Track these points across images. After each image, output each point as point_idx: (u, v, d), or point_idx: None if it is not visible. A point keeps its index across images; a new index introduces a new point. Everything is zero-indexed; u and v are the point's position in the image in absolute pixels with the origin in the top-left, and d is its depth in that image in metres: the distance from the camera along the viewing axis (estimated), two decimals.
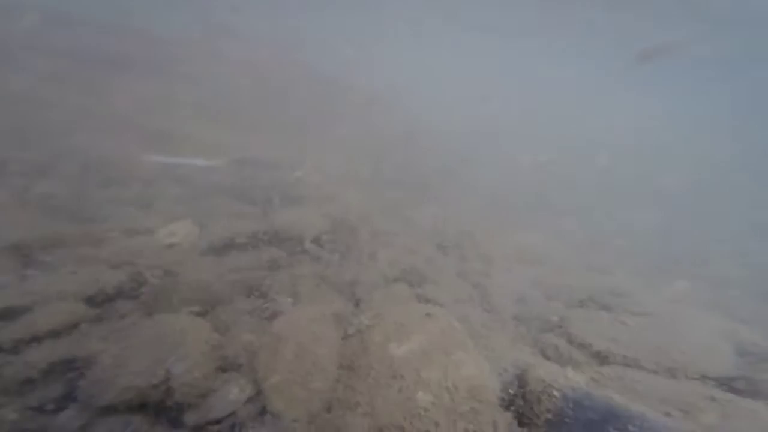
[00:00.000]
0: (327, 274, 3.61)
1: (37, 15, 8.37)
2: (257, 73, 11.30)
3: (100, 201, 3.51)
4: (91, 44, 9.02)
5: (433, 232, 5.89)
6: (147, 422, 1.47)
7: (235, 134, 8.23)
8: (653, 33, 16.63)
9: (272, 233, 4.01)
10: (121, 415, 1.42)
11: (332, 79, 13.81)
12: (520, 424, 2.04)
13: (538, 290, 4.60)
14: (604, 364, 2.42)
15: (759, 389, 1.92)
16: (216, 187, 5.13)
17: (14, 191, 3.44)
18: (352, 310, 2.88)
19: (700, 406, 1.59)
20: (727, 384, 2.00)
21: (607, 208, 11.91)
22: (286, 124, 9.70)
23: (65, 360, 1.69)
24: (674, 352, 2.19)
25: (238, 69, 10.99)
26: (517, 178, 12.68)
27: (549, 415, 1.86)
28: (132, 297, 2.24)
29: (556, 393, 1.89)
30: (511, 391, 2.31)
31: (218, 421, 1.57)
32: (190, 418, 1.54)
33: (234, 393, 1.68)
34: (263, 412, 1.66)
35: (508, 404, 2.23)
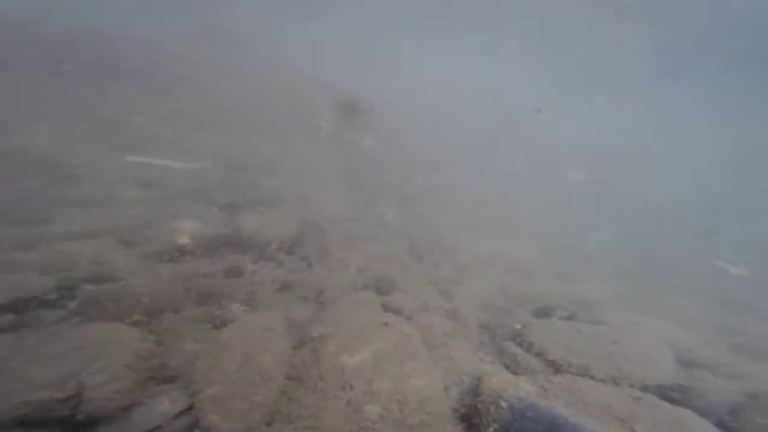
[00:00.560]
0: (291, 281, 3.51)
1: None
2: (247, 79, 11.14)
3: (45, 203, 3.29)
4: (64, 49, 8.66)
5: (407, 238, 5.89)
6: None
7: (217, 139, 8.04)
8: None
9: (236, 238, 3.89)
10: (16, 430, 1.29)
11: (322, 84, 13.79)
12: None
13: (505, 298, 4.66)
14: (557, 372, 2.44)
15: (690, 397, 1.99)
16: (181, 190, 4.94)
17: None
18: (311, 318, 2.80)
19: (637, 414, 1.62)
20: (663, 392, 2.06)
21: (580, 218, 12.30)
22: (268, 129, 9.56)
23: None
24: (621, 361, 2.23)
25: (229, 75, 10.81)
26: (497, 187, 12.93)
27: (496, 426, 1.84)
28: (60, 305, 2.09)
29: (503, 404, 1.88)
30: (465, 402, 2.29)
31: None
32: None
33: (163, 406, 1.57)
34: (194, 426, 1.57)
35: (461, 415, 2.21)
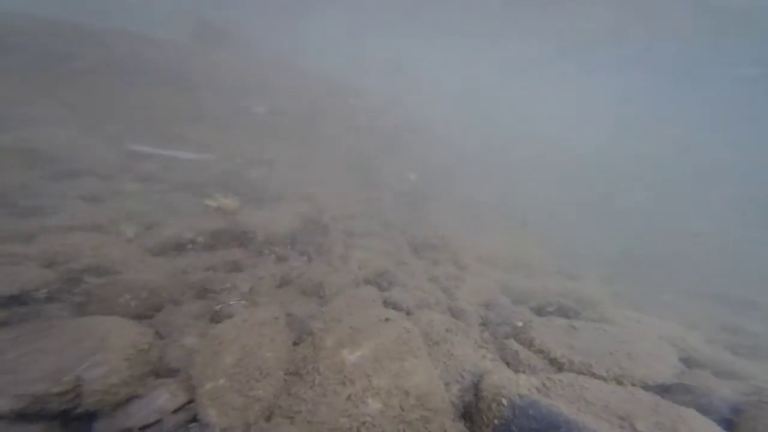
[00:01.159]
0: (292, 276, 3.51)
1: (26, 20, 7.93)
2: (257, 77, 11.06)
3: (47, 194, 3.28)
4: (68, 46, 8.61)
5: (409, 235, 5.87)
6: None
7: (224, 137, 8.03)
8: None
9: (238, 233, 3.88)
10: (12, 424, 1.28)
11: (329, 81, 13.72)
12: None
13: (507, 295, 4.64)
14: (559, 370, 2.42)
15: (693, 396, 1.97)
16: (183, 184, 4.94)
17: None
18: (311, 314, 2.79)
19: (638, 413, 1.60)
20: (665, 391, 2.04)
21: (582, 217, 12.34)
22: (276, 126, 9.53)
23: None
24: (623, 359, 2.21)
25: (239, 74, 10.72)
26: (497, 185, 12.96)
27: (496, 422, 1.83)
28: (58, 299, 2.08)
29: (504, 401, 1.87)
30: (465, 399, 2.28)
31: (138, 430, 1.45)
32: (102, 428, 1.42)
33: (162, 400, 1.57)
34: (193, 420, 1.56)
35: (462, 412, 2.20)
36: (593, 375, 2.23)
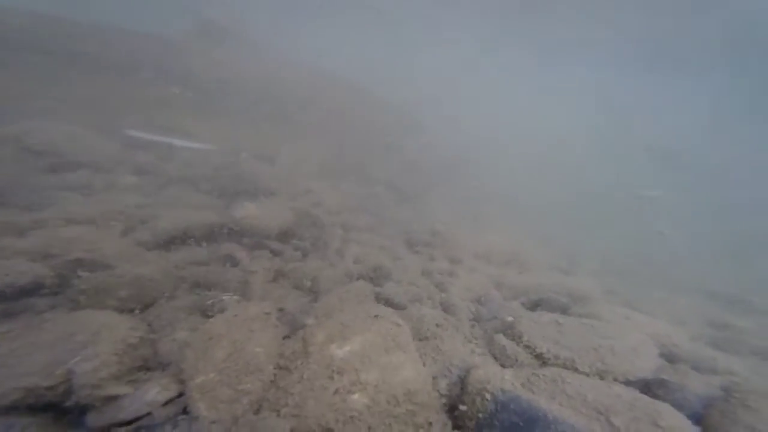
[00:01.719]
0: (286, 271, 3.54)
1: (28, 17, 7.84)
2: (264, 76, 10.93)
3: (41, 188, 3.29)
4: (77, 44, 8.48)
5: (405, 230, 5.91)
6: (38, 424, 1.38)
7: (227, 129, 8.01)
8: None
9: (233, 227, 3.90)
10: (4, 416, 1.32)
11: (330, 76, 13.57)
12: (455, 426, 2.06)
13: (500, 291, 4.69)
14: (544, 365, 2.48)
15: (668, 391, 2.03)
16: (179, 177, 4.94)
17: None
18: (303, 309, 2.84)
19: (616, 408, 1.66)
20: (645, 386, 2.10)
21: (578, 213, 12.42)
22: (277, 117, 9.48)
23: None
24: (607, 355, 2.27)
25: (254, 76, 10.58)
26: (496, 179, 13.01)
27: (480, 416, 1.89)
28: (51, 293, 2.11)
29: (487, 396, 1.92)
30: (452, 393, 2.34)
31: (128, 423, 1.49)
32: (94, 420, 1.46)
33: (152, 394, 1.61)
34: (183, 413, 1.60)
35: (448, 407, 2.26)
36: (576, 370, 2.29)
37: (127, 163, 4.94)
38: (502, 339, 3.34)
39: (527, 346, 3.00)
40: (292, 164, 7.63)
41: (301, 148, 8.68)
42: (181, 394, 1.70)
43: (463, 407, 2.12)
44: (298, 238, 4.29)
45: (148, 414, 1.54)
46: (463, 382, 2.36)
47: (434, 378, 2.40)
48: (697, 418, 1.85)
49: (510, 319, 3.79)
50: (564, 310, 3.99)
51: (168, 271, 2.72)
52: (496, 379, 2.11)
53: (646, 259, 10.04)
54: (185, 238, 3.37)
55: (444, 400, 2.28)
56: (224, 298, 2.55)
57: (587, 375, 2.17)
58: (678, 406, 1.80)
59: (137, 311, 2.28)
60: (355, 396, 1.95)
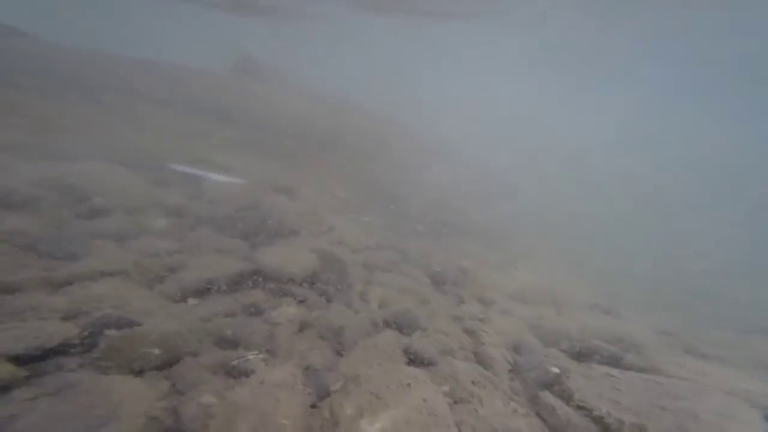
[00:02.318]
0: (310, 320, 3.40)
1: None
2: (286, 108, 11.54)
3: (78, 235, 3.39)
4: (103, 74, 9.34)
5: (429, 269, 5.67)
6: None
7: (257, 164, 8.34)
8: None
9: (257, 272, 3.85)
10: None
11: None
12: None
13: (536, 335, 4.32)
14: None
15: None
16: (207, 218, 5.03)
17: None
18: (329, 366, 2.66)
19: None
20: None
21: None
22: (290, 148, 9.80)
23: None
24: (687, 421, 1.92)
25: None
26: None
27: None
28: (79, 352, 2.06)
29: None
30: None
31: None
32: None
33: None
34: None
35: None
36: None
37: (157, 203, 5.11)
38: (548, 397, 3.00)
39: (580, 407, 2.66)
40: (315, 198, 7.71)
41: (326, 182, 8.84)
42: None
43: None
44: (323, 282, 4.18)
45: None
46: None
47: None
48: None
49: (555, 370, 3.44)
50: (616, 362, 3.58)
51: (193, 325, 2.65)
52: None
53: (695, 284, 9.19)
54: (210, 288, 3.34)
55: None
56: (249, 357, 2.43)
57: None
58: None
59: (161, 371, 2.19)
60: None
